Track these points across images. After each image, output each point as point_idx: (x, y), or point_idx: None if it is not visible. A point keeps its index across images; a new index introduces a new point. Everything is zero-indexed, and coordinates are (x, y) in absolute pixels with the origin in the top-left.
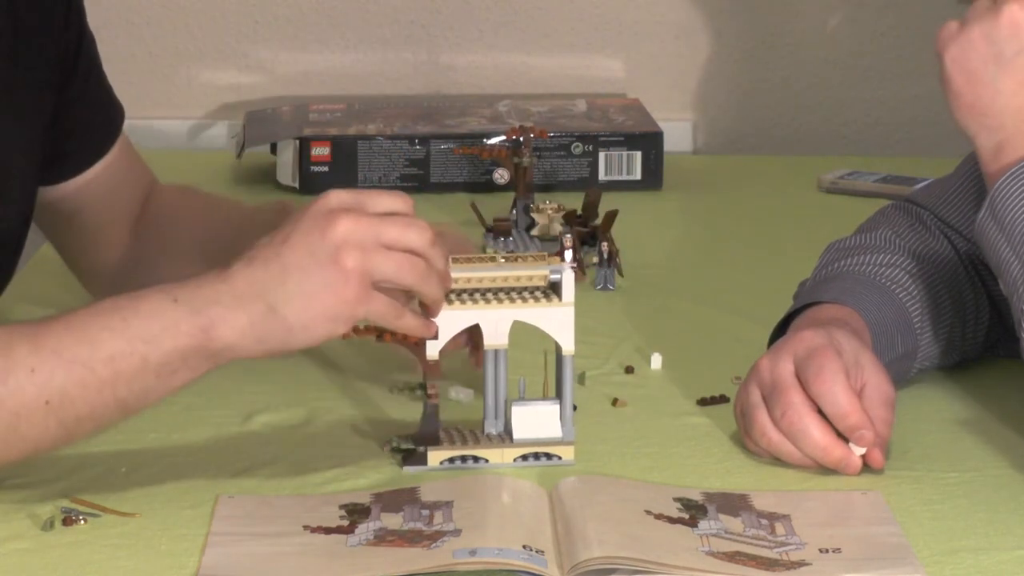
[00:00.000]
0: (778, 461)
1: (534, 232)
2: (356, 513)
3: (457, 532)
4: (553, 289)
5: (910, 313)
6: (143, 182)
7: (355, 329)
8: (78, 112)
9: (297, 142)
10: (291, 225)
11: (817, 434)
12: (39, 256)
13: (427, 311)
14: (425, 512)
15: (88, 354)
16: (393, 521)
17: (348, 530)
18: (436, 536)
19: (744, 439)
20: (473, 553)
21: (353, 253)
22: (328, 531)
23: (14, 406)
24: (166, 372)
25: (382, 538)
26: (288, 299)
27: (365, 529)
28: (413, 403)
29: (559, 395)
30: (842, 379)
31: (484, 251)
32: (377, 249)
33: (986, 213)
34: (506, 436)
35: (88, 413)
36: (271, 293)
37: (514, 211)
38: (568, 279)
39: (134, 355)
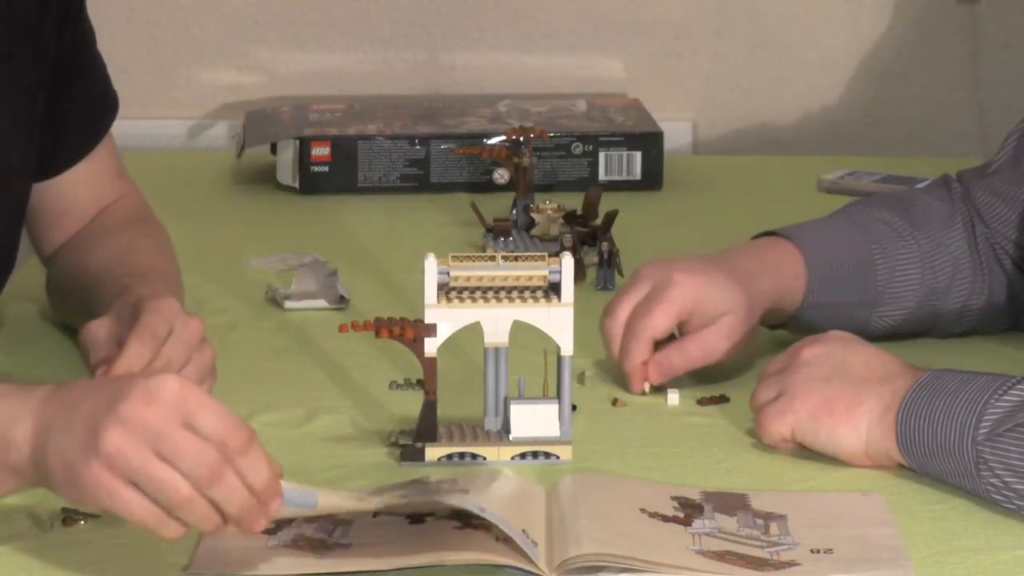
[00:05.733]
0: (778, 461)
1: (534, 232)
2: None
3: (465, 490)
4: (553, 289)
5: (875, 262)
6: (103, 197)
7: (353, 324)
8: (65, 110)
9: (297, 142)
10: (113, 389)
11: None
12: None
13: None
14: (431, 486)
15: None
16: (395, 496)
17: (360, 499)
18: (442, 491)
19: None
20: (483, 510)
21: (115, 469)
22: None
23: None
24: None
25: (392, 499)
26: (54, 452)
27: (376, 497)
28: (414, 399)
29: (558, 395)
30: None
31: (484, 251)
32: (146, 466)
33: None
34: (504, 434)
35: None
36: (52, 432)
37: (514, 211)
38: (568, 277)
39: None
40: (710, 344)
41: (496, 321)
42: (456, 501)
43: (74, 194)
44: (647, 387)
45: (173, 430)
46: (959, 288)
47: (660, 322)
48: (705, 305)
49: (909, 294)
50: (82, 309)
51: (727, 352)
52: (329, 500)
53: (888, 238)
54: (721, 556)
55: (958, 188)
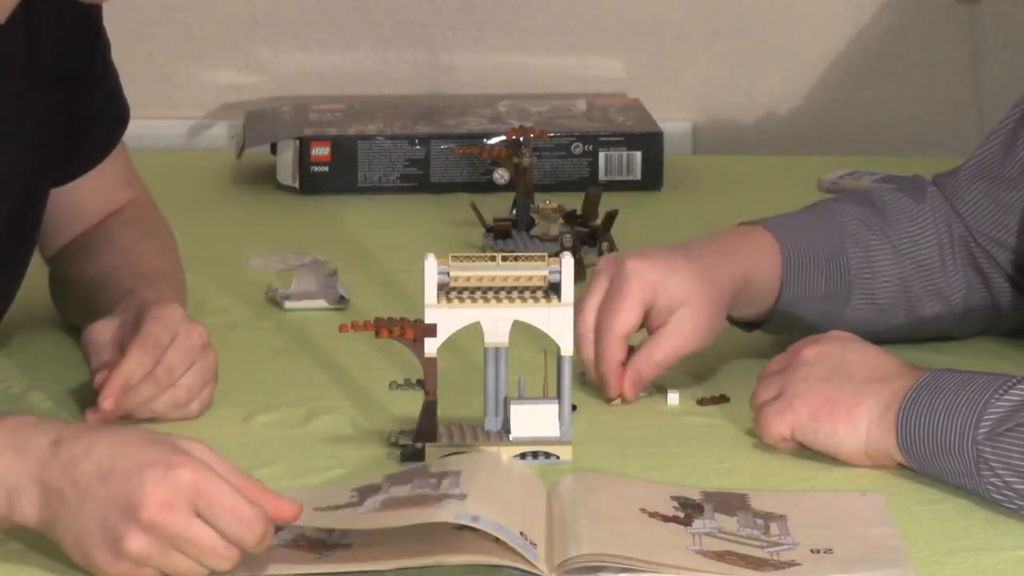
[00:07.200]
0: (778, 461)
1: (534, 232)
2: (367, 492)
3: (463, 496)
4: (553, 289)
5: (848, 257)
6: (110, 204)
7: (353, 324)
8: (79, 122)
9: (297, 142)
10: (129, 482)
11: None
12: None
13: None
14: (433, 480)
15: None
16: (402, 491)
17: (357, 504)
18: (442, 497)
19: None
20: (476, 519)
21: (138, 564)
22: (339, 508)
23: None
24: None
25: (389, 504)
26: (67, 525)
27: (374, 501)
28: (414, 399)
29: (558, 395)
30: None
31: (484, 251)
32: (171, 562)
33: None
34: (504, 434)
35: None
36: (61, 510)
37: (514, 211)
38: (568, 277)
39: None
40: (676, 346)
41: (496, 321)
42: (451, 514)
43: (82, 201)
44: (619, 400)
45: (194, 532)
46: (931, 287)
47: (628, 318)
48: (664, 290)
49: (883, 285)
50: (86, 309)
51: (696, 346)
52: (324, 520)
53: (861, 232)
54: (721, 556)
55: (933, 190)
